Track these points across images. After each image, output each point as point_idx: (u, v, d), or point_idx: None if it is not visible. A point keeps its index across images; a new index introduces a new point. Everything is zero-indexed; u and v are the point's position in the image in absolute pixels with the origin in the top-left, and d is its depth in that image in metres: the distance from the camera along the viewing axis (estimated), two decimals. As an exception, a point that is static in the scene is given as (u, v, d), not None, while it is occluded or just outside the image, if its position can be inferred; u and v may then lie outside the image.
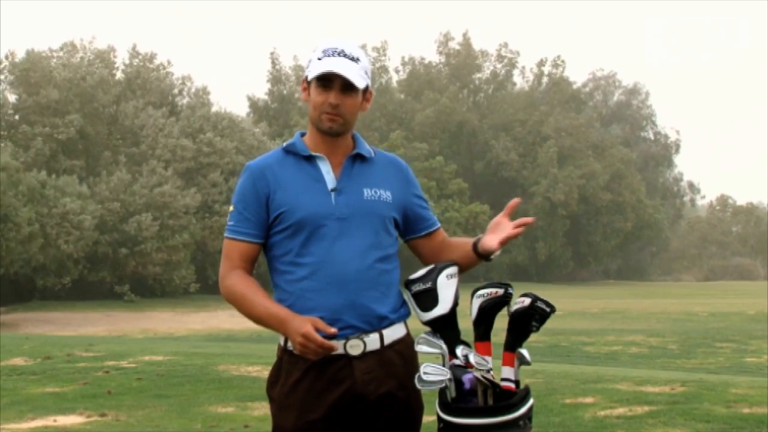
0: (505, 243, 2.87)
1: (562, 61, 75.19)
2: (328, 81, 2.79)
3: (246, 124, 53.50)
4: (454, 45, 74.17)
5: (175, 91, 55.66)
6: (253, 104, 69.21)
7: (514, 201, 2.93)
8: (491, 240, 2.88)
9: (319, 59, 2.81)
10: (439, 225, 3.03)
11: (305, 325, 2.68)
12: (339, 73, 2.77)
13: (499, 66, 74.90)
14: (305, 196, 2.81)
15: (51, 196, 39.49)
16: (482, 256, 2.90)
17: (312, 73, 2.81)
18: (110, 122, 49.88)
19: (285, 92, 68.52)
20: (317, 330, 2.68)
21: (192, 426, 7.26)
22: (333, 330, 2.71)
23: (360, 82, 2.80)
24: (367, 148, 2.93)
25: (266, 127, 55.18)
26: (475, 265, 2.95)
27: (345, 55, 2.80)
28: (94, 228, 41.23)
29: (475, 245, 2.91)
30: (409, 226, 2.97)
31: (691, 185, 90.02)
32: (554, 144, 67.14)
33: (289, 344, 2.80)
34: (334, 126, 2.82)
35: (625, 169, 71.39)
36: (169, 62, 55.01)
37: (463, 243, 2.97)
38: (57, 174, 42.09)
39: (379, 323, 2.81)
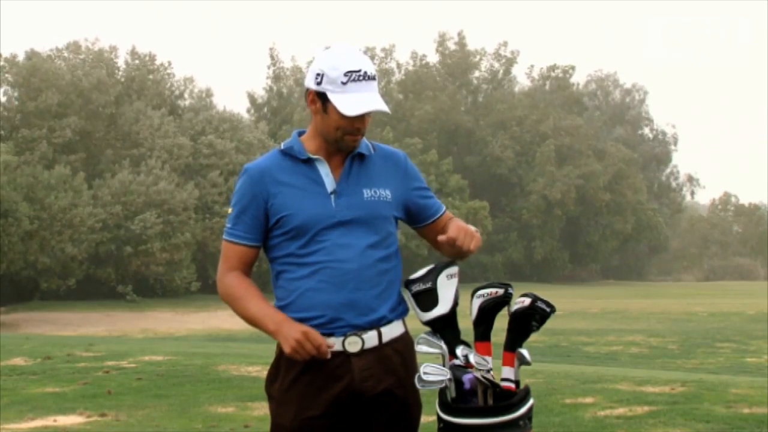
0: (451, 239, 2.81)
1: (573, 69, 76.38)
2: None
3: (246, 123, 53.42)
4: (450, 45, 74.19)
5: (177, 93, 55.59)
6: (253, 101, 69.29)
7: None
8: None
9: (344, 84, 2.72)
10: (443, 210, 3.02)
11: (302, 327, 2.71)
12: (377, 110, 2.74)
13: (497, 65, 74.99)
14: (305, 200, 2.80)
15: (52, 197, 39.51)
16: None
17: (343, 106, 2.71)
18: (109, 124, 49.84)
19: (284, 89, 68.57)
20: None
21: (192, 426, 7.26)
22: (330, 343, 2.73)
23: (386, 107, 2.77)
24: (365, 144, 2.91)
25: (265, 126, 55.22)
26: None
27: (368, 77, 2.74)
28: (97, 230, 41.33)
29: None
30: (414, 217, 2.97)
31: (690, 177, 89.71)
32: (553, 143, 67.15)
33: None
34: (356, 145, 2.83)
35: (627, 169, 71.31)
36: (170, 63, 55.34)
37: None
38: (52, 171, 42.07)
39: (378, 321, 2.82)
